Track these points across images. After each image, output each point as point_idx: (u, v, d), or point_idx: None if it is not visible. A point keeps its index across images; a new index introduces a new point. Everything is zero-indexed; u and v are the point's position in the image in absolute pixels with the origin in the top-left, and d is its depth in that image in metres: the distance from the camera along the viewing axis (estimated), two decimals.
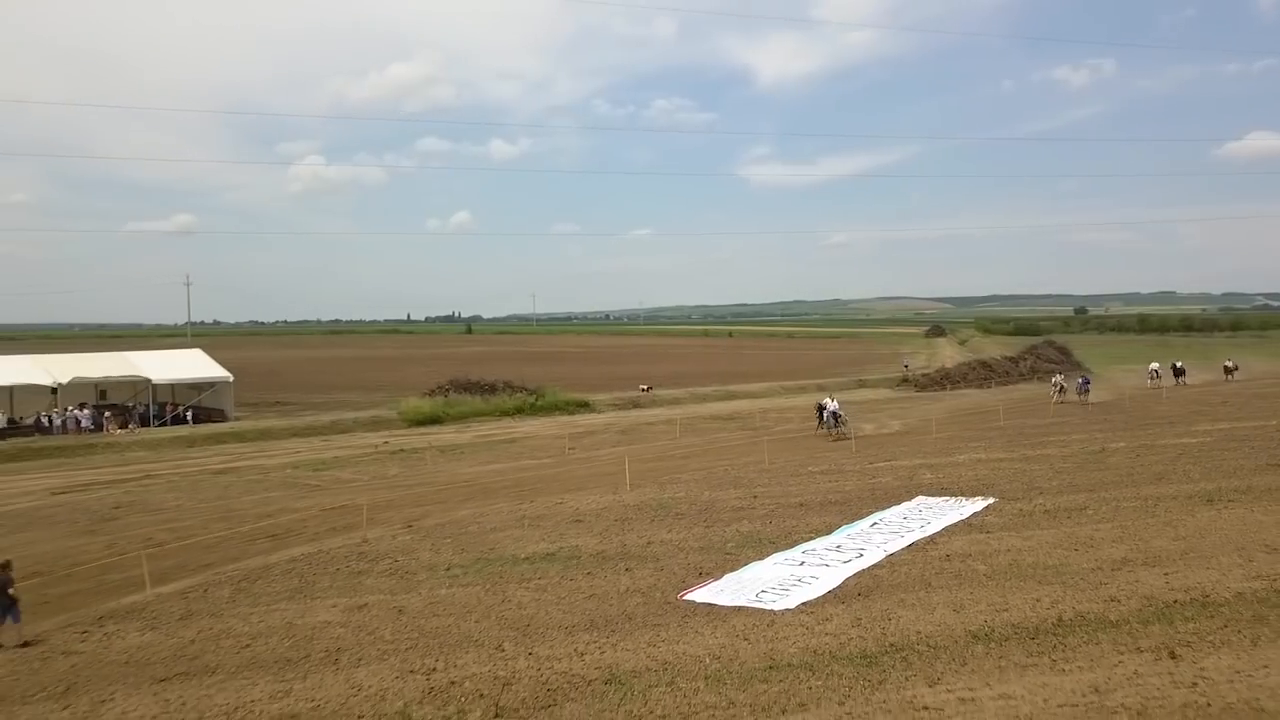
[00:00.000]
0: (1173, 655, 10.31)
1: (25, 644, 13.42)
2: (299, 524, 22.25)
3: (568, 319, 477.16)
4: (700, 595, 14.18)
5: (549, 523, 20.56)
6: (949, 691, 9.59)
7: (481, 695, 10.34)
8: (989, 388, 60.74)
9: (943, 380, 63.64)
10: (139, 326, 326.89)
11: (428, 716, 9.81)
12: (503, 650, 11.88)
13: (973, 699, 9.34)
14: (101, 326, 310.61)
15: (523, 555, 17.41)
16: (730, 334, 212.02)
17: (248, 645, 12.88)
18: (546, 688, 10.46)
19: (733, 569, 15.65)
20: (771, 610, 13.16)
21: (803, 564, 15.84)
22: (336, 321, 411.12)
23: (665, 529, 19.23)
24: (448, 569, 16.68)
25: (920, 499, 21.82)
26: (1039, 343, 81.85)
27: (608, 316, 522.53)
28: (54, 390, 43.21)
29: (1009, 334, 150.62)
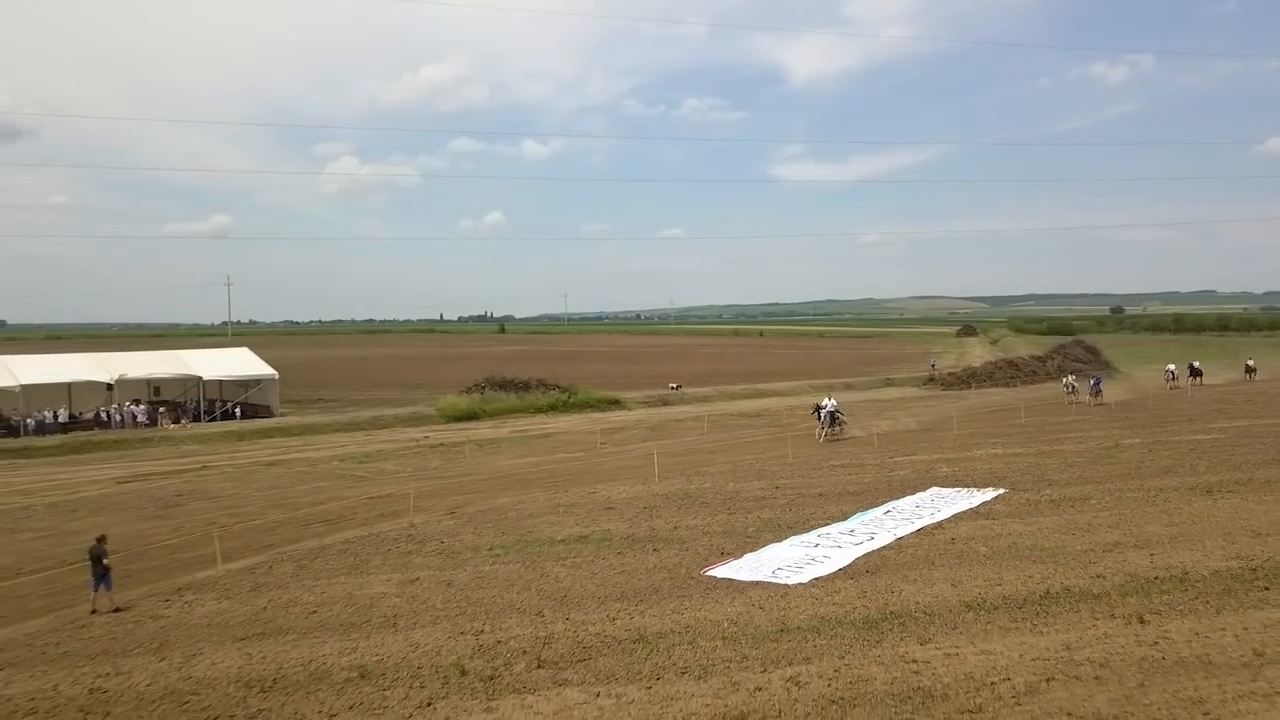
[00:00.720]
0: (1142, 621, 11.48)
1: (117, 609, 15.04)
2: (349, 510, 23.82)
3: (599, 318, 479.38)
4: (721, 571, 15.50)
5: (582, 510, 21.97)
6: (937, 648, 10.84)
7: (524, 651, 11.73)
8: (1014, 387, 61.37)
9: (968, 379, 64.33)
10: (176, 326, 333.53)
11: (479, 667, 11.21)
12: (542, 616, 13.28)
13: (957, 654, 10.58)
14: (140, 326, 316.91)
15: (558, 538, 18.83)
16: (761, 333, 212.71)
17: (314, 612, 14.40)
18: (582, 645, 11.84)
19: (752, 550, 16.96)
20: (785, 585, 14.45)
21: (817, 545, 17.12)
22: (370, 321, 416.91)
23: (691, 515, 20.56)
24: (490, 549, 18.13)
25: (934, 489, 22.97)
26: (1067, 343, 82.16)
27: (639, 316, 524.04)
28: (110, 387, 45.39)
29: (1042, 333, 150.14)
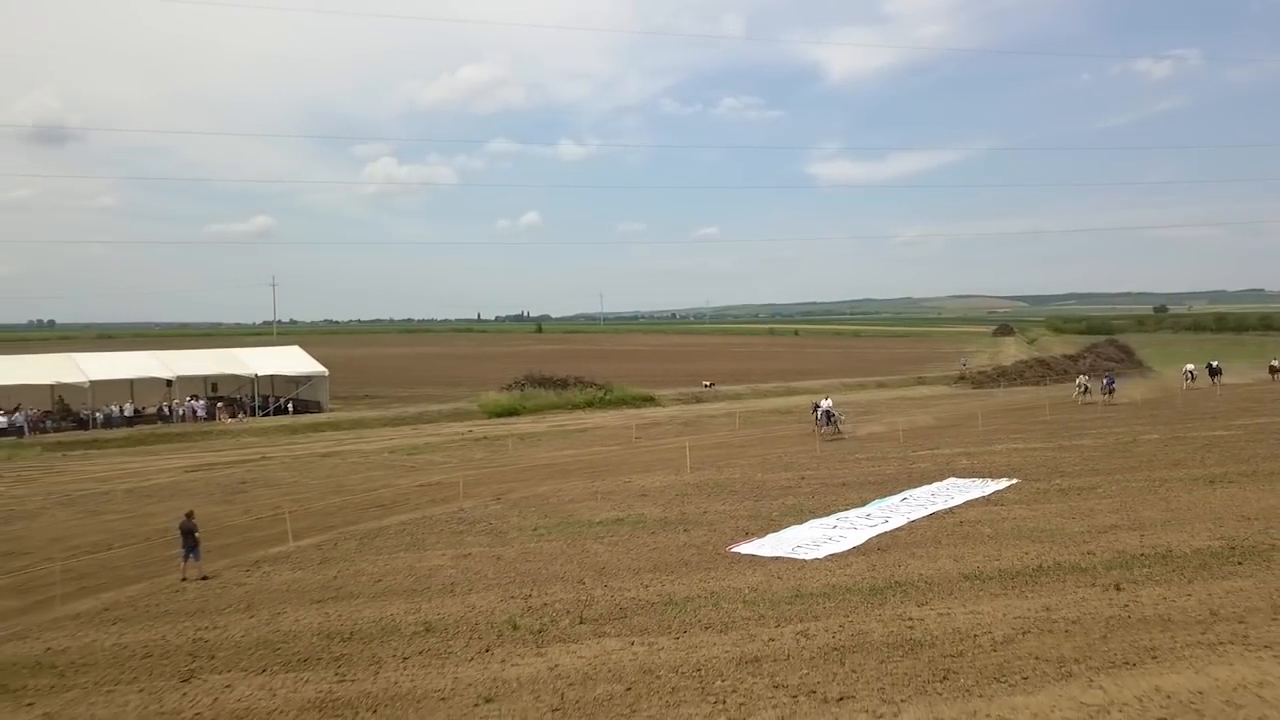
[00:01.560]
0: (1118, 588, 12.85)
1: (204, 577, 16.87)
2: (402, 496, 25.62)
3: (635, 318, 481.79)
4: (745, 548, 17.02)
5: (618, 496, 23.57)
6: (932, 610, 12.30)
7: (568, 611, 13.35)
8: (1045, 385, 62.06)
9: (998, 377, 65.09)
10: (219, 325, 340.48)
11: (529, 623, 12.83)
12: (583, 584, 14.89)
13: (949, 614, 12.02)
14: (184, 325, 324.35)
15: (597, 520, 20.45)
16: (796, 332, 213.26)
17: (379, 580, 16.13)
18: (619, 607, 13.43)
19: (775, 530, 18.46)
20: (803, 560, 15.95)
21: (835, 527, 18.58)
22: (409, 320, 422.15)
23: (720, 502, 22.09)
24: (534, 529, 19.80)
25: (951, 480, 24.29)
26: (1100, 342, 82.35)
27: (674, 315, 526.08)
28: (169, 383, 47.86)
29: (1080, 333, 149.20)
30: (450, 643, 12.20)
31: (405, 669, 11.27)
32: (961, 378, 66.88)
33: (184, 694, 10.81)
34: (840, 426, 37.82)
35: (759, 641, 11.37)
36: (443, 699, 10.17)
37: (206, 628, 13.65)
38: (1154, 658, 10.00)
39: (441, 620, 13.30)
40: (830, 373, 75.85)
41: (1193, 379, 53.92)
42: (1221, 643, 10.37)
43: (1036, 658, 10.14)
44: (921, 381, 67.05)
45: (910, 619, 11.89)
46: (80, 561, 18.69)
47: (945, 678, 9.76)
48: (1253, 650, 10.14)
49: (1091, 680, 9.48)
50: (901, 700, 9.23)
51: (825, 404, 38.38)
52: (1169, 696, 9.01)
